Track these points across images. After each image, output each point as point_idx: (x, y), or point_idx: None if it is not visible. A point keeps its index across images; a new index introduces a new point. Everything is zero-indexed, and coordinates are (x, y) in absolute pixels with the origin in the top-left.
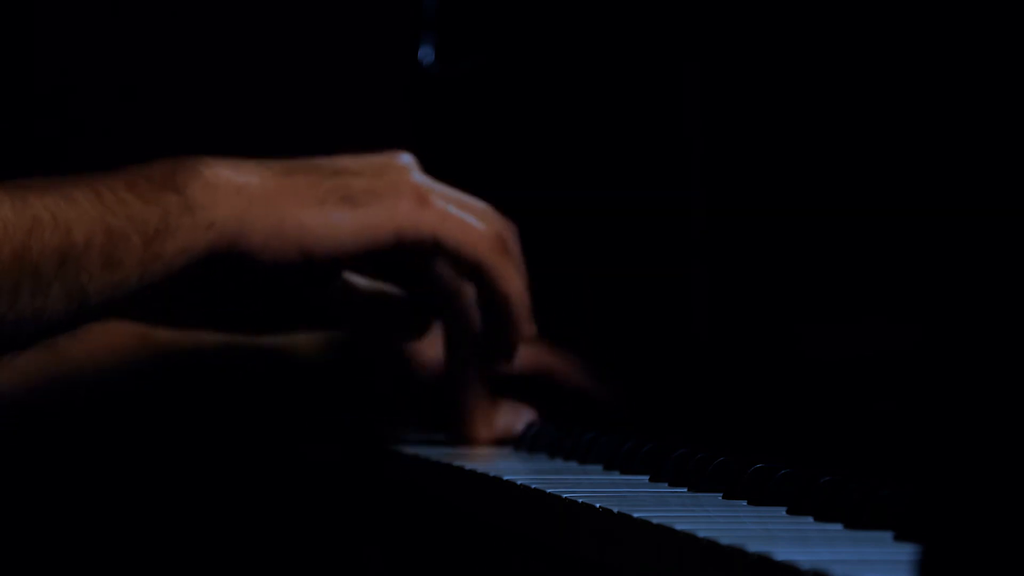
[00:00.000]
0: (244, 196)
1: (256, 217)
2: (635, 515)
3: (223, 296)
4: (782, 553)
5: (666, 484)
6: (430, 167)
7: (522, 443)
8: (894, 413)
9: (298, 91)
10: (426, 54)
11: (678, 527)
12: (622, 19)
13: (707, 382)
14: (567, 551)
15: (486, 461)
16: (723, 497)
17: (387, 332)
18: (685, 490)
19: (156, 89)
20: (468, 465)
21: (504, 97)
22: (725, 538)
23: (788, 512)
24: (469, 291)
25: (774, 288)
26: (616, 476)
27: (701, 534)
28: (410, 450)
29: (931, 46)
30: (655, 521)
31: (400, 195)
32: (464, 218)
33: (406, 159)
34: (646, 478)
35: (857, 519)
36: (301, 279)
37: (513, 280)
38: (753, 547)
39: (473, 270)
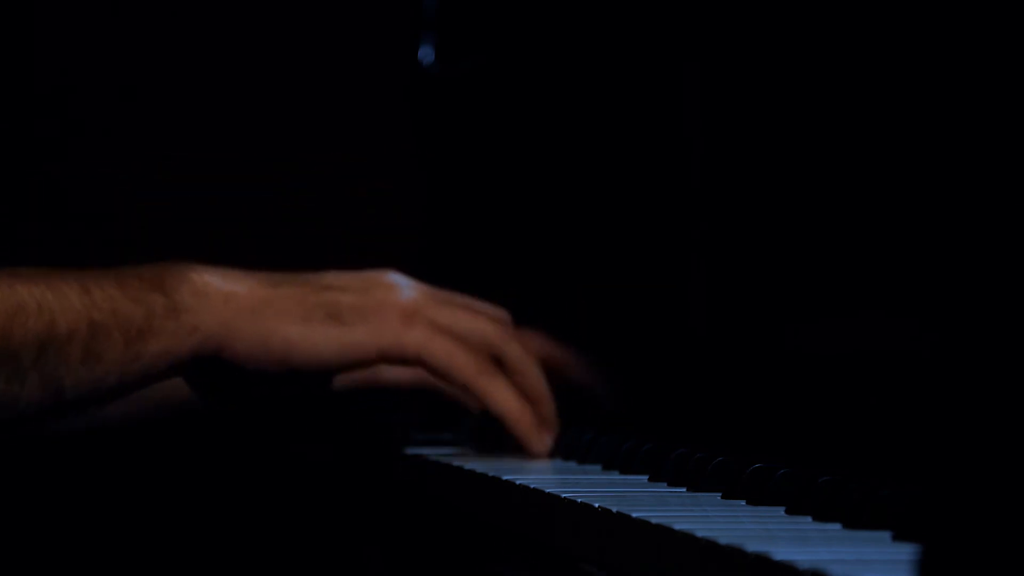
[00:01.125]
0: (231, 305)
1: (242, 327)
2: (634, 515)
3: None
4: (781, 553)
5: (665, 484)
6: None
7: None
8: (893, 413)
9: (298, 91)
10: (426, 54)
11: (677, 527)
12: (622, 19)
13: (706, 381)
14: (567, 551)
15: (485, 461)
16: (722, 497)
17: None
18: (684, 490)
19: (156, 89)
20: (467, 465)
21: (504, 97)
22: (724, 538)
23: (787, 512)
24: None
25: (773, 288)
26: (615, 476)
27: (700, 534)
28: (410, 451)
29: (929, 45)
30: (654, 521)
31: (386, 314)
32: (450, 340)
33: (395, 277)
34: (645, 478)
35: (856, 519)
36: (284, 382)
37: (504, 400)
38: (752, 547)
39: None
